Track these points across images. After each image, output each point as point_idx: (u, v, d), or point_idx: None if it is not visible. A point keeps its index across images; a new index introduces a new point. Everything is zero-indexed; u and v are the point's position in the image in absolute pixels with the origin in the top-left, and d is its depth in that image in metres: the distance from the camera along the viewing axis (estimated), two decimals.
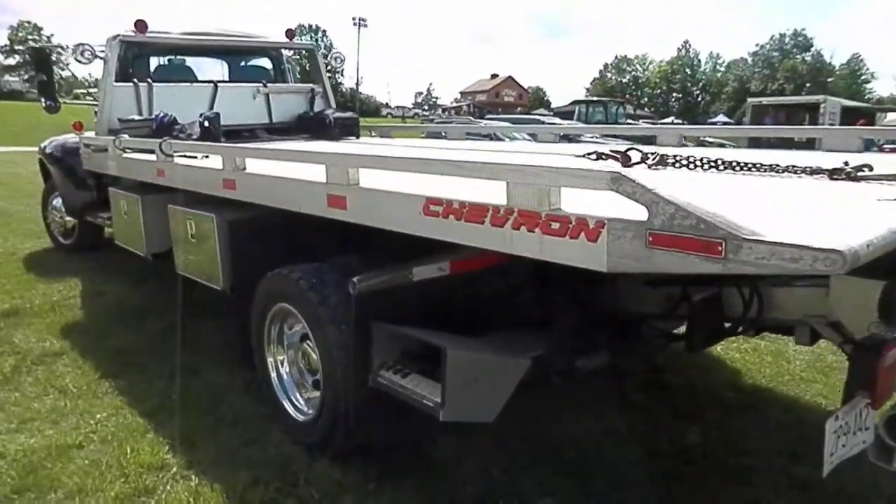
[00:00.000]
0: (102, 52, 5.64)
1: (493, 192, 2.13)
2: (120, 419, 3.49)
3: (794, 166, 3.01)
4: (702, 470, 2.94)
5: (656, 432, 3.25)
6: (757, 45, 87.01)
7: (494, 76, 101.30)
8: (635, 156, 3.08)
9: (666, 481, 2.85)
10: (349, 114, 6.60)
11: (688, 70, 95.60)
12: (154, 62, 6.20)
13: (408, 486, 2.87)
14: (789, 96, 41.89)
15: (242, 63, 6.86)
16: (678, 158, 3.21)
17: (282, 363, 3.41)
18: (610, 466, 2.97)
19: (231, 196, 3.50)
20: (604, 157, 3.21)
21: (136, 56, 5.93)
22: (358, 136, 6.57)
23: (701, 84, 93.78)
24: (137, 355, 4.37)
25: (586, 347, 3.09)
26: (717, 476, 2.89)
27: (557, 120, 23.08)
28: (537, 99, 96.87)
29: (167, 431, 3.33)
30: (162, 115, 5.14)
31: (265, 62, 6.93)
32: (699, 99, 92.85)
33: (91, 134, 5.82)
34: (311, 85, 6.78)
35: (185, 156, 4.19)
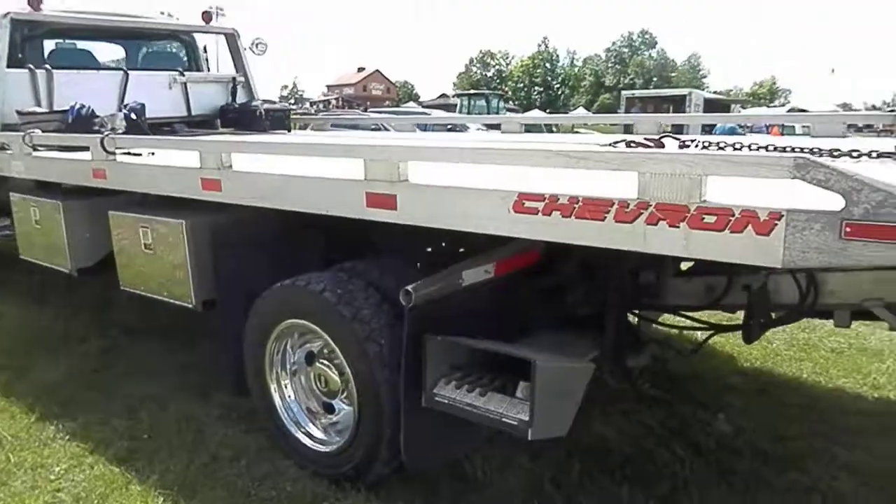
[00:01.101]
0: None
1: (588, 185, 1.94)
2: (87, 471, 2.91)
3: None
4: (751, 459, 2.90)
5: (687, 425, 3.19)
6: (612, 42, 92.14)
7: (361, 69, 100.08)
8: (671, 143, 2.98)
9: (721, 474, 2.79)
10: (279, 104, 6.06)
11: (548, 65, 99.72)
12: (48, 46, 5.33)
13: None
14: (655, 89, 44.77)
15: (151, 49, 6.10)
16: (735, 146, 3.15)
17: (285, 387, 3.00)
18: (659, 464, 2.86)
19: (213, 198, 3.01)
20: (633, 144, 3.08)
21: (27, 38, 5.07)
22: (289, 129, 6.05)
23: (560, 78, 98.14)
24: (76, 390, 3.70)
25: (634, 346, 2.97)
26: (767, 465, 2.86)
27: (443, 113, 23.09)
28: (406, 93, 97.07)
29: (156, 480, 2.81)
30: (78, 106, 4.39)
31: (177, 48, 6.20)
32: (559, 92, 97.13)
33: None
34: (232, 74, 6.16)
35: (128, 153, 3.59)
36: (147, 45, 6.12)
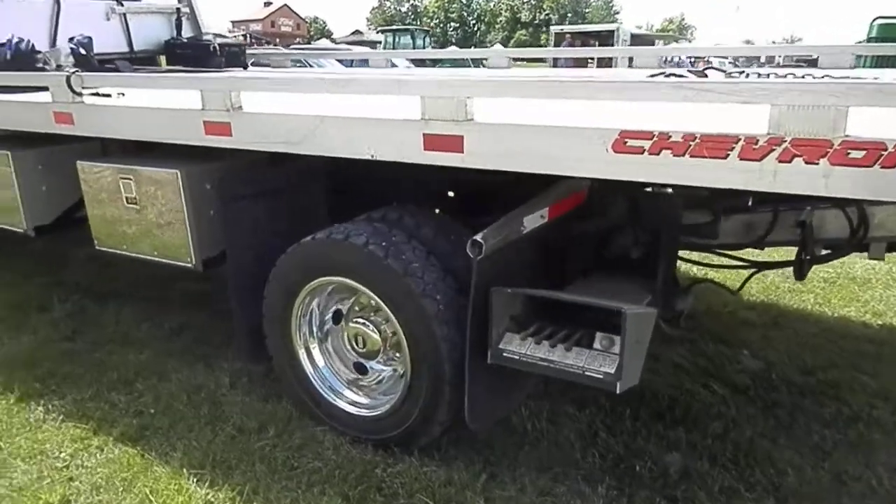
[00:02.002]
0: None
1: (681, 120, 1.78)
2: (97, 455, 2.60)
3: None
4: (788, 393, 2.93)
5: (716, 363, 3.20)
6: None
7: (268, 4, 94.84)
8: (715, 75, 2.85)
9: (765, 410, 2.80)
10: (234, 39, 5.52)
11: (463, 0, 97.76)
12: None
13: (524, 468, 2.49)
14: (583, 25, 44.52)
15: None
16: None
17: (313, 350, 2.76)
18: (704, 404, 2.85)
19: (219, 144, 2.65)
20: (675, 75, 2.93)
21: None
22: (246, 67, 5.53)
23: (476, 14, 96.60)
24: (53, 363, 3.31)
25: (682, 289, 2.90)
26: (805, 397, 2.91)
27: (366, 49, 22.23)
28: (318, 29, 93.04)
29: (181, 458, 2.55)
30: (16, 39, 3.79)
31: None
32: (475, 28, 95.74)
33: None
34: (176, 4, 5.52)
35: (97, 94, 3.12)
36: None
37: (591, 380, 2.13)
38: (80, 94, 3.03)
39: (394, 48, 24.37)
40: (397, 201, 3.03)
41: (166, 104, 2.86)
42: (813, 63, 4.19)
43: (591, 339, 2.21)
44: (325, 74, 2.66)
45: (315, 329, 2.75)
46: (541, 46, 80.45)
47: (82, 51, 4.02)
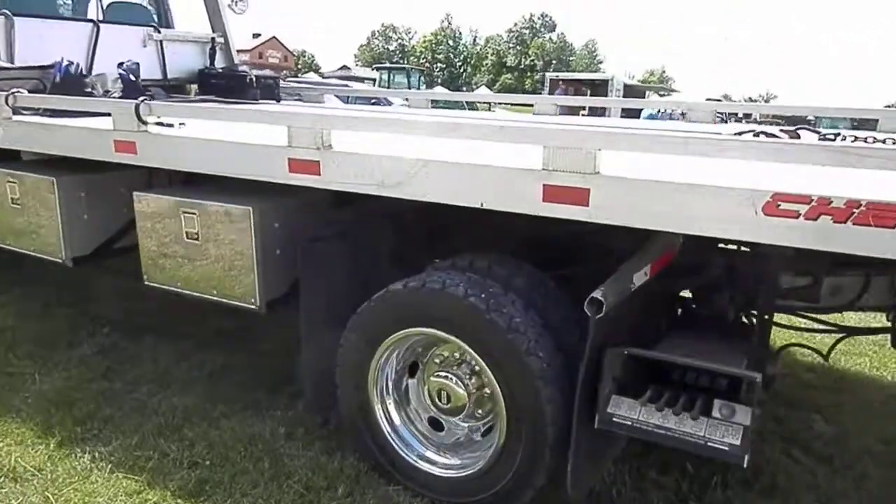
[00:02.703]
0: None
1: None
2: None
3: None
4: (874, 464, 2.84)
5: (790, 428, 3.10)
6: (514, 23, 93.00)
7: (256, 35, 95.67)
8: (808, 135, 2.82)
9: (856, 482, 2.70)
10: (268, 72, 5.44)
11: (450, 42, 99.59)
12: None
13: None
14: (579, 72, 45.27)
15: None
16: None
17: (389, 405, 2.61)
18: (789, 473, 2.74)
19: (306, 183, 2.53)
20: (766, 134, 2.90)
21: None
22: (279, 100, 5.44)
23: (462, 56, 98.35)
24: (90, 404, 3.10)
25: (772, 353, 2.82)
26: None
27: (364, 85, 22.36)
28: (305, 63, 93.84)
29: None
30: (66, 62, 3.65)
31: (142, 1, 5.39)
32: (462, 70, 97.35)
33: None
34: (211, 34, 5.44)
35: (160, 123, 2.99)
36: None
37: (715, 451, 2.02)
38: (145, 123, 2.91)
39: (388, 86, 24.58)
40: (468, 247, 2.94)
41: (236, 137, 2.74)
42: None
43: (707, 406, 2.11)
44: (428, 117, 2.58)
45: (392, 383, 2.60)
46: (525, 91, 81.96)
47: (132, 77, 3.89)
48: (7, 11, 4.15)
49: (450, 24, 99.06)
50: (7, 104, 3.29)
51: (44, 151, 3.30)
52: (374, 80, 25.64)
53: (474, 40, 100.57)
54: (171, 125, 3.02)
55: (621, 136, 2.04)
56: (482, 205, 2.20)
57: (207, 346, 3.70)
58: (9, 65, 3.86)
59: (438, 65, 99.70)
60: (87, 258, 3.54)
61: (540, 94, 27.34)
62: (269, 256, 2.84)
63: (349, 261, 2.77)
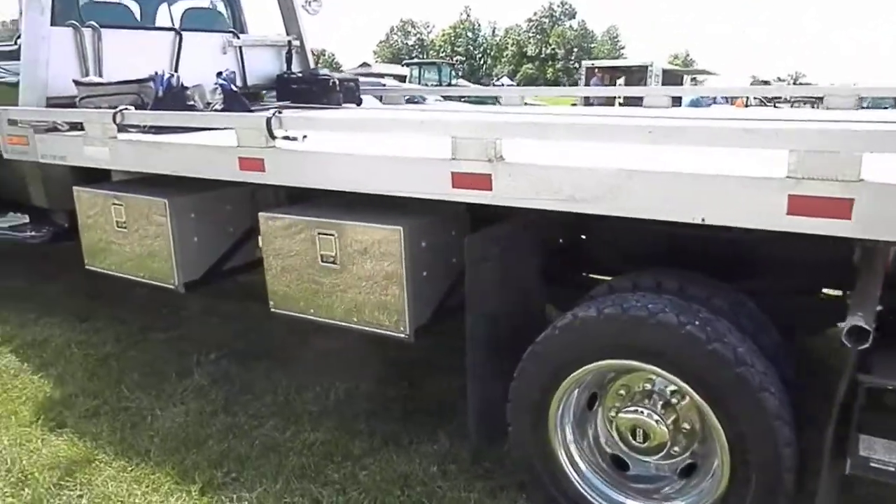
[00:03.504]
0: None
1: None
2: None
3: None
4: None
5: None
6: (534, 13, 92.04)
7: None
8: None
9: None
10: (348, 74, 5.20)
11: (469, 34, 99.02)
12: None
13: None
14: (615, 60, 44.39)
15: (192, 4, 5.04)
16: None
17: (570, 444, 2.33)
18: None
19: (473, 199, 2.27)
20: None
21: None
22: (359, 104, 5.19)
23: (482, 48, 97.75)
24: (221, 443, 2.88)
25: None
26: None
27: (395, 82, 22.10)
28: (325, 61, 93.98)
29: None
30: (167, 74, 3.43)
31: (217, 4, 5.17)
32: (482, 62, 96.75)
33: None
34: (288, 37, 5.20)
35: (286, 138, 2.74)
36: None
37: None
38: (275, 138, 2.66)
39: (419, 81, 24.30)
40: (616, 261, 2.69)
41: (383, 150, 2.49)
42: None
43: None
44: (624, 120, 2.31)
45: (576, 420, 2.33)
46: (547, 80, 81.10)
47: (233, 87, 3.66)
48: (95, 23, 3.94)
49: (468, 16, 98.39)
50: (115, 122, 3.07)
51: (154, 171, 3.07)
52: (404, 76, 25.34)
53: (493, 31, 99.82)
54: (295, 139, 2.78)
55: (886, 134, 1.73)
56: (702, 220, 1.91)
57: (325, 372, 3.46)
58: (102, 80, 3.65)
59: (458, 57, 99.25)
60: (197, 282, 3.33)
61: (570, 83, 26.78)
62: (418, 280, 2.58)
63: (512, 281, 2.51)
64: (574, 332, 2.17)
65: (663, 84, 20.78)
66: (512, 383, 2.33)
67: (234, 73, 3.92)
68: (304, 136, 2.82)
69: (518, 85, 49.55)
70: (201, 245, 3.31)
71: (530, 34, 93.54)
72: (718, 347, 1.94)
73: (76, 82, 3.61)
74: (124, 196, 3.28)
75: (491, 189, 2.22)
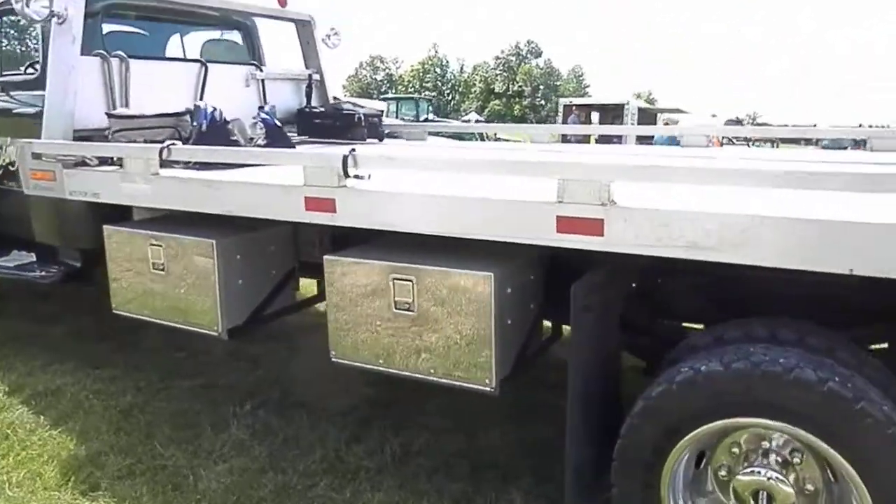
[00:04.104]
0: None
1: None
2: None
3: None
4: None
5: None
6: (501, 50, 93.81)
7: None
8: None
9: None
10: (371, 110, 5.07)
11: (437, 70, 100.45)
12: (105, 29, 4.02)
13: None
14: (591, 98, 44.98)
15: (213, 37, 4.87)
16: None
17: None
18: None
19: (581, 245, 2.13)
20: None
21: (87, 15, 3.78)
22: (381, 139, 5.05)
23: (450, 84, 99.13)
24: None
25: None
26: None
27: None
28: None
29: None
30: (210, 108, 3.25)
31: (234, 37, 5.01)
32: (450, 98, 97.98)
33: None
34: (309, 70, 5.06)
35: (356, 177, 2.58)
36: (205, 31, 4.89)
37: None
38: (348, 177, 2.50)
39: (397, 116, 24.30)
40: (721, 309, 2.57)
41: (469, 191, 2.35)
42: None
43: None
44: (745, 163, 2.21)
45: (689, 481, 2.17)
46: (514, 116, 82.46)
47: (276, 122, 3.49)
48: (122, 53, 3.75)
49: (437, 52, 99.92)
50: (161, 157, 2.87)
51: (205, 211, 2.87)
52: (381, 111, 25.26)
53: (461, 68, 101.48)
54: (362, 177, 2.62)
55: None
56: (850, 271, 1.80)
57: (374, 423, 3.26)
58: (136, 112, 3.44)
59: (426, 93, 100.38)
60: (240, 329, 3.11)
61: (537, 120, 27.03)
62: (505, 328, 2.43)
63: (607, 329, 2.38)
64: (696, 387, 2.02)
65: (639, 122, 21.20)
66: (619, 441, 2.17)
67: (274, 107, 3.75)
68: (369, 175, 2.66)
69: (486, 121, 50.30)
70: (246, 288, 3.10)
71: (497, 71, 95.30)
72: (866, 406, 1.82)
73: (109, 115, 3.40)
74: (163, 236, 3.06)
75: (602, 235, 2.09)
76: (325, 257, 2.66)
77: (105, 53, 3.67)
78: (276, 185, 2.67)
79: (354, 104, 5.33)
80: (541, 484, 2.76)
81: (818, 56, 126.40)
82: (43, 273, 4.00)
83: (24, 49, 4.61)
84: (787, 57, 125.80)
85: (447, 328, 2.44)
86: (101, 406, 3.47)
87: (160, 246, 3.07)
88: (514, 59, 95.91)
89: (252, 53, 4.99)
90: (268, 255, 3.22)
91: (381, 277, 2.53)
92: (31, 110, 3.86)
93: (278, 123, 3.60)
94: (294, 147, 3.69)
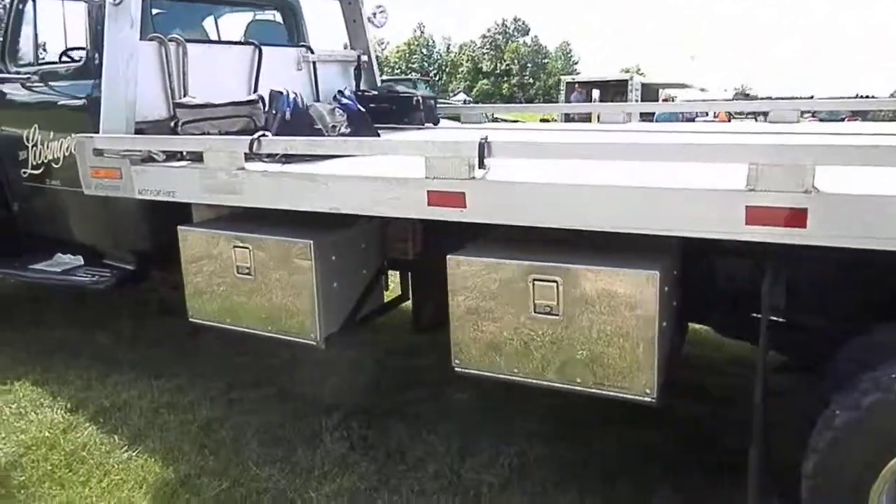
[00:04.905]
0: None
1: None
2: None
3: None
4: None
5: None
6: (487, 29, 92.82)
7: None
8: None
9: None
10: (426, 92, 4.77)
11: (424, 51, 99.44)
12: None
13: None
14: (595, 75, 44.36)
15: (256, 17, 4.54)
16: None
17: None
18: None
19: (781, 238, 1.88)
20: None
21: None
22: (437, 122, 4.75)
23: (437, 64, 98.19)
24: None
25: None
26: None
27: None
28: None
29: None
30: (292, 95, 2.95)
31: (275, 17, 4.67)
32: (438, 78, 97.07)
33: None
34: (357, 51, 4.74)
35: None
36: (248, 10, 4.56)
37: None
38: (482, 167, 2.23)
39: None
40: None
41: (609, 179, 2.09)
42: None
43: None
44: None
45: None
46: (503, 95, 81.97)
47: (360, 108, 3.19)
48: (179, 36, 3.43)
49: (422, 33, 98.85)
50: (251, 150, 2.58)
51: (305, 209, 2.58)
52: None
53: (448, 48, 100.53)
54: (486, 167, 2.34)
55: None
56: None
57: (476, 431, 3.01)
58: (191, 100, 3.12)
59: (413, 73, 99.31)
60: (335, 336, 2.85)
61: (525, 99, 26.74)
62: (663, 333, 2.18)
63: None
64: None
65: (642, 97, 20.96)
66: (813, 457, 1.94)
67: (353, 92, 3.45)
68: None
69: (474, 101, 49.73)
70: (341, 291, 2.84)
71: (484, 50, 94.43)
72: None
73: (177, 105, 3.09)
74: (251, 237, 2.78)
75: (805, 226, 1.84)
76: (450, 257, 2.39)
77: (162, 37, 3.34)
78: (391, 178, 2.39)
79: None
80: (680, 489, 2.54)
81: (830, 37, 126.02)
82: (95, 278, 3.70)
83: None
84: (799, 37, 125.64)
85: (599, 333, 2.19)
86: (177, 421, 3.20)
87: (246, 248, 2.79)
88: (500, 37, 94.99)
89: (299, 34, 4.66)
90: (359, 254, 2.96)
91: (520, 278, 2.27)
92: (76, 102, 3.56)
93: (361, 109, 3.30)
94: (378, 135, 3.39)
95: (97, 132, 3.14)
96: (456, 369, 2.48)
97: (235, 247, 2.81)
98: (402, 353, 3.83)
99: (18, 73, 3.90)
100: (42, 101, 3.80)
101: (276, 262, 2.74)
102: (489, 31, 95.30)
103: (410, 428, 3.08)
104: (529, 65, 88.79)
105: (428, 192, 2.31)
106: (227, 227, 2.90)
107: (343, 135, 3.05)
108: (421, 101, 4.46)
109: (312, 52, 4.39)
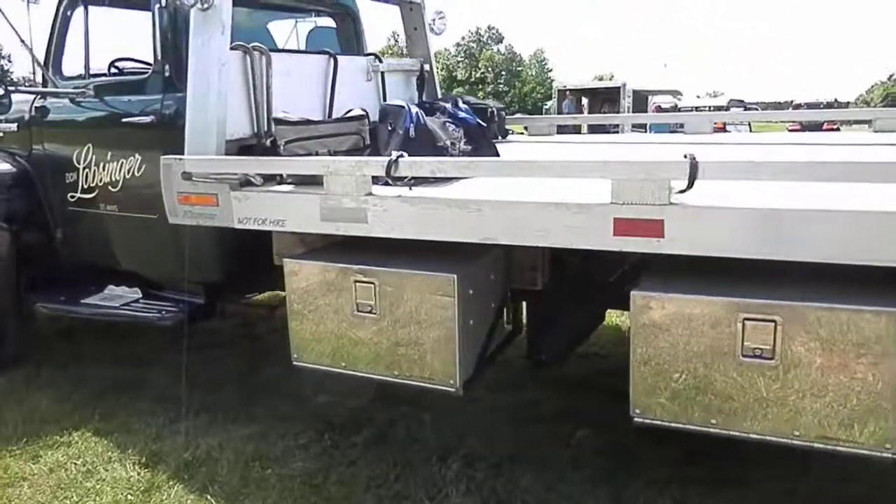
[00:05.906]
0: None
1: None
2: None
3: None
4: None
5: None
6: (461, 37, 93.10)
7: None
8: None
9: None
10: (495, 103, 4.48)
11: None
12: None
13: None
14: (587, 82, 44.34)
15: (317, 25, 4.22)
16: None
17: None
18: None
19: None
20: None
21: None
22: (505, 135, 4.46)
23: None
24: None
25: None
26: None
27: None
28: None
29: None
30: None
31: (331, 24, 4.35)
32: None
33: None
34: (420, 60, 4.43)
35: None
36: (308, 18, 4.23)
37: None
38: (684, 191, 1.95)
39: None
40: None
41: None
42: None
43: None
44: None
45: None
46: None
47: (479, 122, 2.88)
48: (262, 45, 3.08)
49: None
50: (388, 174, 2.25)
51: (445, 238, 2.26)
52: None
53: None
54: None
55: None
56: None
57: (609, 479, 2.71)
58: (290, 116, 2.78)
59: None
60: (472, 379, 2.54)
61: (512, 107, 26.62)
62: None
63: None
64: None
65: (633, 104, 20.90)
66: None
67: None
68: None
69: None
70: (475, 329, 2.53)
71: (459, 59, 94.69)
72: None
73: (276, 121, 2.75)
74: (376, 270, 2.45)
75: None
76: (634, 293, 2.09)
77: (246, 46, 3.00)
78: (564, 203, 2.09)
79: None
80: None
81: (830, 45, 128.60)
82: (162, 313, 3.33)
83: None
84: (799, 47, 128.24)
85: (829, 380, 1.91)
86: (275, 477, 2.84)
87: (371, 283, 2.46)
88: (475, 45, 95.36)
89: (359, 42, 4.35)
90: (490, 286, 2.65)
91: (727, 317, 1.99)
92: (144, 119, 3.20)
93: (481, 123, 3.00)
94: (498, 152, 3.09)
95: (170, 153, 2.80)
96: (636, 420, 2.18)
97: (357, 281, 2.48)
98: (508, 388, 3.52)
99: (67, 87, 3.51)
100: (97, 117, 3.42)
101: (408, 299, 2.42)
102: (463, 39, 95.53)
103: (539, 476, 2.77)
104: (504, 73, 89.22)
105: (615, 219, 2.02)
106: (343, 258, 2.56)
107: (464, 152, 2.74)
108: (496, 112, 4.17)
109: (381, 62, 4.07)
